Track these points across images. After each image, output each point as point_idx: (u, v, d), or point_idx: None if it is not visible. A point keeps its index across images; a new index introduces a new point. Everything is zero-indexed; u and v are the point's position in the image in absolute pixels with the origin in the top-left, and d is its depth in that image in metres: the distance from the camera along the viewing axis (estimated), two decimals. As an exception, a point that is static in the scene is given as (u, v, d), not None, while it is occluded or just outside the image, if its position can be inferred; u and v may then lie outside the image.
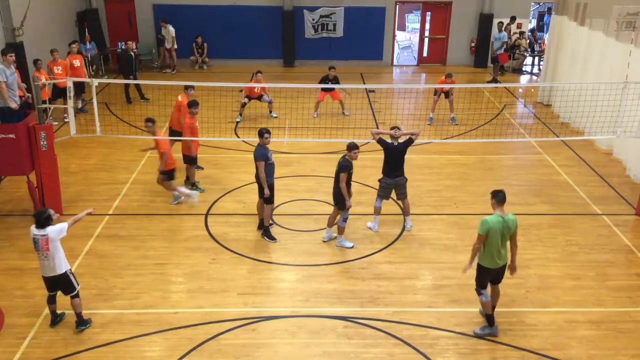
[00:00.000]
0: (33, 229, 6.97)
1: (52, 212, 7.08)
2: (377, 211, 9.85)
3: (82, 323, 7.37)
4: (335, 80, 15.03)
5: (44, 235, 6.89)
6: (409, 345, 7.20)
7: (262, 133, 9.13)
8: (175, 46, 20.14)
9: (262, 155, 9.07)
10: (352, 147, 8.84)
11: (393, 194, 9.75)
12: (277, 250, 9.30)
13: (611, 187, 11.63)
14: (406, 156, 9.61)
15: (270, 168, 9.22)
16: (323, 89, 15.23)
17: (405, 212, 9.90)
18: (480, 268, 7.25)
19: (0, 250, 9.17)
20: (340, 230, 9.33)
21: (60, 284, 7.19)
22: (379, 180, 9.75)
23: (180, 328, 7.45)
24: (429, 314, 7.80)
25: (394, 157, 9.50)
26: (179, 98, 11.80)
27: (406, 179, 9.67)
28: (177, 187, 10.58)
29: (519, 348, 7.19)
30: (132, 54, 16.51)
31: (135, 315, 7.69)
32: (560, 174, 12.25)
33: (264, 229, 9.57)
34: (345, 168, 8.81)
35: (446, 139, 13.74)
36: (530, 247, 9.43)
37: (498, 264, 7.17)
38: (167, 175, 10.38)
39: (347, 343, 7.25)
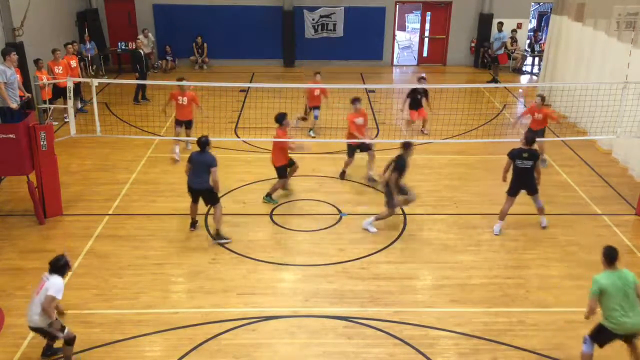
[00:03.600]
0: (46, 273, 6.48)
1: (69, 260, 6.57)
2: None
3: None
4: (425, 93, 13.98)
5: (47, 279, 6.36)
6: (409, 345, 7.20)
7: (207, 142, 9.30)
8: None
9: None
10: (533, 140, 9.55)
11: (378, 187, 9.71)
12: (277, 250, 9.29)
13: (611, 187, 11.63)
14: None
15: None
16: (412, 107, 13.95)
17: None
18: (601, 327, 6.43)
19: (0, 250, 9.17)
20: (542, 210, 9.88)
21: (40, 333, 6.60)
22: None
23: (180, 328, 7.45)
24: (429, 314, 7.80)
25: None
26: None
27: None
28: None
29: (519, 348, 7.19)
30: (141, 52, 16.49)
31: (135, 315, 7.69)
32: (560, 174, 12.25)
33: (217, 234, 9.50)
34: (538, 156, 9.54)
35: (446, 139, 13.73)
36: (530, 247, 9.43)
37: (630, 329, 6.28)
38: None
39: (347, 343, 7.25)
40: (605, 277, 6.32)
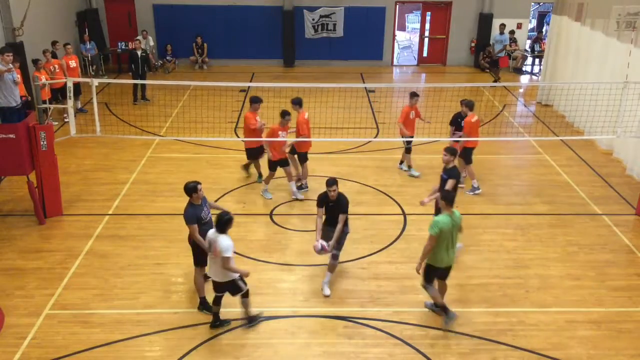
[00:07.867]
0: (211, 231, 7.03)
1: (232, 216, 6.97)
2: None
3: (251, 320, 7.50)
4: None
5: (215, 240, 6.89)
6: (409, 345, 7.20)
7: (189, 190, 7.32)
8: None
9: (192, 216, 7.31)
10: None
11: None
12: (277, 250, 9.29)
13: (611, 187, 11.63)
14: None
15: (208, 226, 7.36)
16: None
17: None
18: (429, 267, 7.35)
19: (0, 250, 9.17)
20: None
21: (226, 288, 7.24)
22: None
23: (180, 328, 7.45)
24: (429, 314, 7.80)
25: None
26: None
27: None
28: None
29: (519, 348, 7.19)
30: (137, 52, 16.49)
31: (135, 315, 7.69)
32: (560, 174, 12.24)
33: (201, 302, 7.80)
34: None
35: (446, 139, 13.72)
36: (530, 247, 9.43)
37: (448, 263, 7.33)
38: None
39: (347, 343, 7.25)
40: (445, 220, 7.07)
